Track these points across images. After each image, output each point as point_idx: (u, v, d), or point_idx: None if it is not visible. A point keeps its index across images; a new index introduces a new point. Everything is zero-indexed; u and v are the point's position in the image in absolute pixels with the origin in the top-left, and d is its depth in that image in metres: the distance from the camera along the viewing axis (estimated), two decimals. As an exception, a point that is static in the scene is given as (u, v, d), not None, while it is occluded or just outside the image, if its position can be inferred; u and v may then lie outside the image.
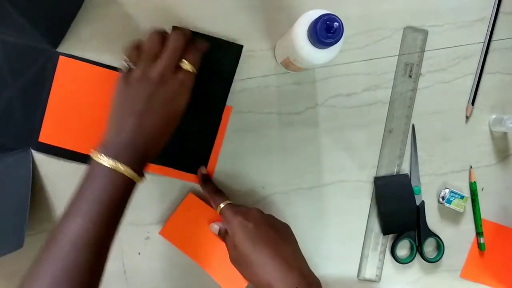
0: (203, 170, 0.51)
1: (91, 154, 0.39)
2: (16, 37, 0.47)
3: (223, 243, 0.48)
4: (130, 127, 0.39)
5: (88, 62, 0.49)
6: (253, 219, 0.44)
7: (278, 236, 0.44)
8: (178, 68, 0.42)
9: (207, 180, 0.51)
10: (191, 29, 0.50)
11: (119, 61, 0.50)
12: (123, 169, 0.38)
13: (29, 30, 0.43)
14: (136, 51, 0.42)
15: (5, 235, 0.46)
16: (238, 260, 0.45)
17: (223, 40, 0.51)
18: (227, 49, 0.51)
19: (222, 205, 0.47)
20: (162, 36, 0.42)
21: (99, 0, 0.49)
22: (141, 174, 0.40)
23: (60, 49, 0.49)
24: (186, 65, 0.42)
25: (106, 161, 0.38)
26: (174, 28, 0.49)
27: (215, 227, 0.50)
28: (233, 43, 0.51)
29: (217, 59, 0.50)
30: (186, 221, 0.51)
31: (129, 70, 0.42)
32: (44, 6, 0.44)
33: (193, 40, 0.45)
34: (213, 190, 0.49)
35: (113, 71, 0.50)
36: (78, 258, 0.35)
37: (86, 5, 0.49)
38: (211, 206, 0.50)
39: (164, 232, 0.51)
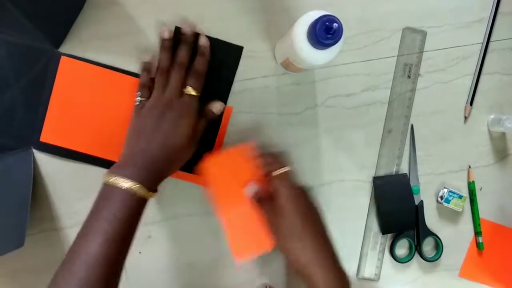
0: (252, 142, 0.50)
1: (105, 175, 0.42)
2: (18, 37, 0.48)
3: (249, 205, 0.47)
4: (141, 147, 0.44)
5: (89, 63, 0.50)
6: (310, 196, 0.46)
7: (322, 221, 0.46)
8: (183, 93, 0.47)
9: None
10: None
11: (120, 62, 0.50)
12: (136, 187, 0.41)
13: (31, 30, 0.44)
14: (147, 89, 0.48)
15: (6, 233, 0.46)
16: (279, 228, 0.45)
17: (224, 42, 0.51)
18: (228, 51, 0.51)
19: (284, 169, 0.46)
20: (166, 75, 0.48)
21: (100, 1, 0.50)
22: (153, 190, 0.43)
23: (62, 49, 0.50)
24: (189, 90, 0.47)
25: (120, 180, 0.41)
26: (177, 29, 0.50)
27: (253, 188, 0.48)
28: (233, 44, 0.51)
29: (217, 60, 0.50)
30: (229, 167, 0.49)
31: (141, 104, 0.47)
32: (46, 6, 0.44)
33: (192, 61, 0.49)
34: (270, 154, 0.48)
35: (114, 71, 0.50)
36: (99, 273, 0.38)
37: (88, 6, 0.49)
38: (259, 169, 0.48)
39: (207, 166, 0.48)
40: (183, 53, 0.48)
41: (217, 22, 0.51)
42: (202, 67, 0.49)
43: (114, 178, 0.41)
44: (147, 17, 0.50)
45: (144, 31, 0.50)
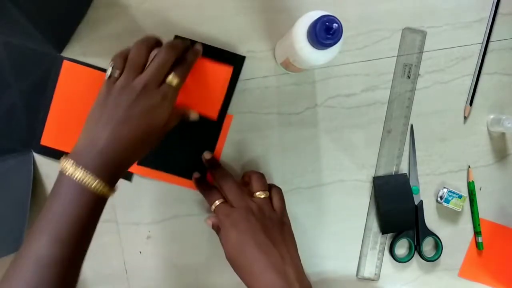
0: (207, 155, 0.50)
1: (60, 162, 0.37)
2: (22, 40, 0.48)
3: None
4: (106, 135, 0.38)
5: (91, 67, 0.50)
6: (241, 224, 0.43)
7: (268, 239, 0.43)
8: (163, 81, 0.41)
9: (213, 165, 0.50)
10: (192, 35, 0.51)
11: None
12: (93, 180, 0.36)
13: (34, 33, 0.44)
14: (123, 59, 0.41)
15: (3, 237, 0.46)
16: (230, 261, 0.44)
17: (227, 51, 0.50)
18: (230, 60, 0.50)
19: (216, 203, 0.47)
20: (149, 46, 0.42)
21: (104, 6, 0.49)
22: (112, 186, 0.38)
23: (65, 53, 0.49)
24: (171, 79, 0.41)
25: (75, 171, 0.35)
26: (176, 37, 0.49)
27: (209, 222, 0.49)
28: (236, 54, 0.50)
29: None
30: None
31: (113, 78, 0.41)
32: (50, 11, 0.44)
33: (186, 50, 0.45)
34: (207, 187, 0.49)
35: None
36: (44, 277, 0.34)
37: (91, 10, 0.49)
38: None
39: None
40: (177, 41, 0.45)
41: (217, 22, 0.51)
42: (193, 59, 0.45)
43: (69, 166, 0.36)
44: (150, 21, 0.50)
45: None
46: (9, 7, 0.37)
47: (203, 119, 0.50)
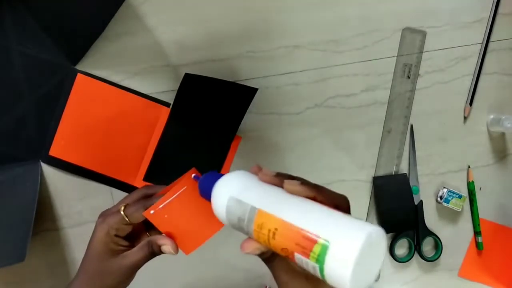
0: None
1: None
2: (37, 51, 0.48)
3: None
4: None
5: (105, 82, 0.49)
6: None
7: None
8: None
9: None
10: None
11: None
12: None
13: (50, 45, 0.44)
14: None
15: (6, 246, 0.45)
16: None
17: (239, 84, 0.50)
18: (242, 92, 0.50)
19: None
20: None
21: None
22: None
23: (79, 66, 0.49)
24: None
25: None
26: (186, 75, 0.47)
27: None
28: (248, 86, 0.49)
29: (230, 101, 0.50)
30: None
31: None
32: (70, 25, 0.44)
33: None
34: None
35: (128, 92, 0.50)
36: None
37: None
38: None
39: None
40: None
41: (217, 21, 0.51)
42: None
43: None
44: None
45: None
46: (30, 21, 0.38)
47: (213, 137, 0.51)
